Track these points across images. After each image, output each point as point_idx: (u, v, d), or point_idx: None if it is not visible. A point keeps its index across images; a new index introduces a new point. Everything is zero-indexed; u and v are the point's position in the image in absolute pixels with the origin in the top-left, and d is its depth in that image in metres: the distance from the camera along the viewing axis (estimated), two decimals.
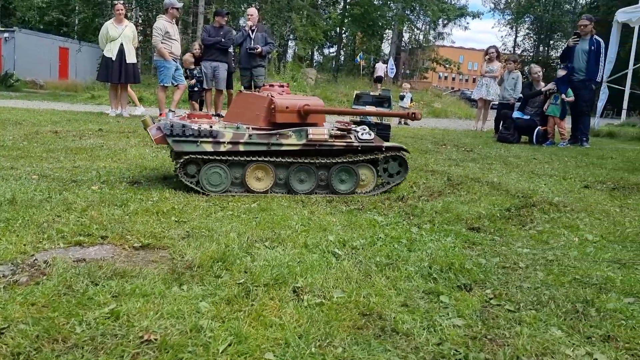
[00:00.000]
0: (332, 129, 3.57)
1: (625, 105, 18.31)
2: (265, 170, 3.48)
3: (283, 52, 23.03)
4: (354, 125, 3.75)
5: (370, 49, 25.15)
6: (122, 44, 8.97)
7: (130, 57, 9.05)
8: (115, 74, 8.97)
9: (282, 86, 3.82)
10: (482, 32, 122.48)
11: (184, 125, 3.28)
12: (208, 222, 2.68)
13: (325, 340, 1.49)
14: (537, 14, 45.95)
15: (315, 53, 35.34)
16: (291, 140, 3.46)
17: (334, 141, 3.53)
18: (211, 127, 3.36)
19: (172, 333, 1.47)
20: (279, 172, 3.51)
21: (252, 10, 9.79)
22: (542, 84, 9.04)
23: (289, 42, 27.65)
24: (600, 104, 11.67)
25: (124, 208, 2.86)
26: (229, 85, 10.19)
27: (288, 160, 3.47)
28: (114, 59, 8.93)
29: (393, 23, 25.81)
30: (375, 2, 22.60)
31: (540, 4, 45.66)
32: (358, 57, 22.50)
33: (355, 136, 3.62)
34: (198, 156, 3.33)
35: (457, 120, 16.78)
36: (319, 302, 1.74)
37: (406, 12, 27.33)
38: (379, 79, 12.39)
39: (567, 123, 9.09)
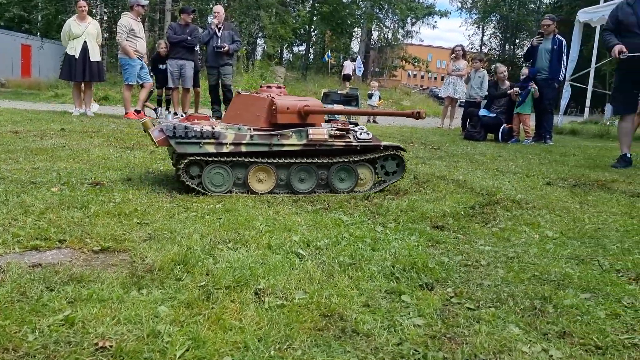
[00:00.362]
0: (332, 129, 3.62)
1: (587, 103, 18.74)
2: (267, 171, 3.53)
3: (252, 50, 22.94)
4: (351, 126, 3.82)
5: (339, 47, 25.21)
6: (85, 42, 8.78)
7: (94, 55, 8.87)
8: (79, 72, 8.78)
9: (280, 87, 3.85)
10: (450, 30, 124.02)
11: (186, 127, 3.30)
12: (171, 224, 2.65)
13: (285, 343, 1.48)
14: (503, 14, 46.76)
15: (285, 51, 35.27)
16: (292, 141, 3.51)
17: (333, 141, 3.59)
18: (213, 128, 3.38)
19: (128, 339, 1.44)
20: (280, 172, 3.56)
21: (219, 8, 9.71)
22: (507, 83, 9.20)
23: (258, 40, 27.53)
24: (564, 102, 11.93)
25: (85, 210, 2.80)
26: (196, 84, 10.09)
27: (289, 160, 3.52)
28: (77, 57, 8.74)
29: (362, 21, 25.92)
30: (344, 0, 22.66)
31: (506, 4, 46.47)
32: (326, 55, 22.53)
33: (354, 136, 3.68)
34: (201, 157, 3.35)
35: (427, 118, 16.94)
36: (280, 304, 1.73)
37: (375, 10, 27.46)
38: (347, 77, 12.45)
39: (532, 121, 9.26)
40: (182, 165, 3.33)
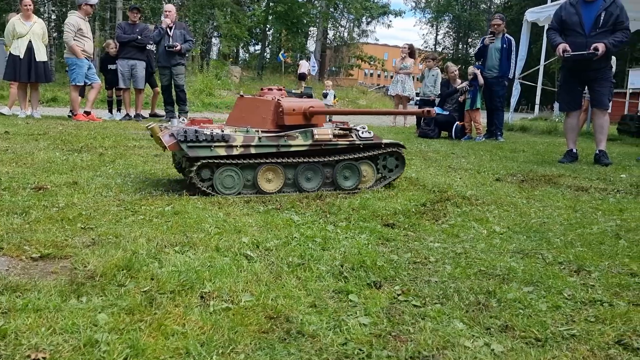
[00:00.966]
0: (335, 129, 3.74)
1: (537, 100, 19.28)
2: (275, 171, 3.61)
3: (207, 50, 22.67)
4: (353, 125, 3.92)
5: (295, 46, 25.17)
6: (30, 41, 8.48)
7: (40, 55, 8.58)
8: (24, 73, 8.48)
9: (280, 89, 3.94)
10: (405, 30, 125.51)
11: (196, 131, 3.35)
12: (117, 228, 2.58)
13: (229, 347, 1.45)
14: (456, 13, 47.64)
15: (241, 51, 35.01)
16: (298, 141, 3.61)
17: (337, 140, 3.72)
18: (222, 131, 3.45)
19: (63, 349, 1.39)
20: (287, 172, 3.65)
21: (170, 7, 9.56)
22: (459, 81, 9.36)
23: (213, 39, 27.21)
24: (514, 100, 12.23)
25: (25, 216, 2.70)
26: (153, 84, 9.92)
27: (296, 160, 3.61)
28: (22, 57, 8.44)
29: (317, 20, 25.95)
30: (299, 0, 22.66)
31: (458, 3, 47.38)
32: (280, 55, 22.47)
33: (356, 135, 3.80)
34: (212, 160, 3.41)
35: (382, 116, 17.08)
36: (225, 307, 1.70)
37: (330, 9, 27.52)
38: (302, 77, 12.44)
39: (483, 118, 9.46)
40: (194, 169, 3.38)
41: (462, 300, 1.83)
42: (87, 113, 8.76)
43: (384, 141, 3.90)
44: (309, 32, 30.31)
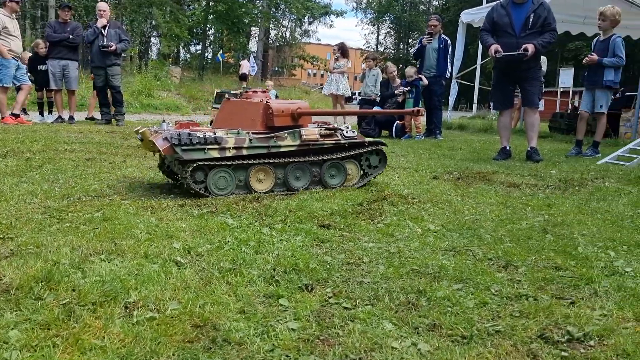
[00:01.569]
0: (321, 129, 3.89)
1: (475, 99, 19.80)
2: (265, 171, 3.72)
3: (145, 50, 22.14)
4: (338, 124, 4.16)
5: (236, 46, 24.90)
6: None
7: None
8: None
9: (265, 91, 4.11)
10: (347, 29, 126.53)
11: (190, 134, 3.42)
12: (40, 237, 2.45)
13: (150, 359, 1.40)
14: (396, 14, 48.43)
15: (182, 50, 34.38)
16: (287, 142, 3.74)
17: (324, 140, 3.86)
18: (215, 133, 3.54)
19: None
20: (278, 172, 3.76)
21: (104, 5, 9.27)
22: (398, 81, 9.50)
23: (152, 39, 26.60)
24: (452, 99, 12.52)
25: None
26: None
27: (285, 160, 3.73)
28: None
29: (259, 20, 25.79)
30: (240, 0, 22.43)
31: (399, 4, 48.18)
32: (219, 55, 22.16)
33: (341, 134, 3.96)
34: (206, 162, 3.49)
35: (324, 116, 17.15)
36: (150, 317, 1.64)
37: (271, 9, 27.40)
38: (243, 77, 12.31)
39: (422, 117, 9.62)
40: (189, 171, 3.44)
41: (393, 301, 1.84)
42: (16, 116, 8.36)
43: (367, 140, 4.10)
44: (251, 32, 30.12)
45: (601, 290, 1.98)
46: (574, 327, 1.65)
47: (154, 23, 22.87)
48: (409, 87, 9.00)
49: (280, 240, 2.58)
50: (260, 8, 26.35)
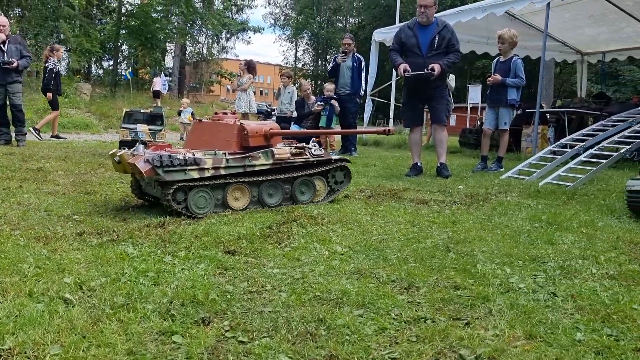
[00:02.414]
0: (292, 149, 4.15)
1: (391, 115, 20.35)
2: (241, 190, 3.91)
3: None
4: (312, 144, 4.39)
5: (151, 62, 24.28)
6: None
7: None
8: None
9: (233, 113, 4.30)
10: (265, 46, 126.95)
11: (170, 156, 3.57)
12: None
13: None
14: (314, 31, 49.12)
15: (94, 66, 33.12)
16: (261, 161, 3.97)
17: (295, 158, 4.13)
18: (194, 154, 3.70)
19: None
20: (253, 190, 3.95)
21: (3, 20, 8.75)
22: (313, 98, 9.57)
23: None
24: (366, 115, 12.78)
25: None
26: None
27: (260, 178, 3.95)
28: None
29: (174, 36, 25.31)
30: (154, 15, 21.88)
31: (316, 21, 48.90)
32: (127, 73, 21.53)
33: (309, 152, 4.24)
34: (187, 183, 3.64)
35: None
36: None
37: (187, 25, 26.97)
38: (157, 94, 11.98)
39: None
40: (170, 192, 3.57)
41: (291, 332, 1.80)
42: None
43: (334, 157, 4.42)
44: (167, 48, 29.51)
45: (495, 309, 2.04)
46: (466, 349, 1.67)
47: (62, 37, 21.87)
48: (323, 103, 9.08)
49: (182, 269, 2.48)
50: (176, 24, 25.90)
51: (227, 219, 3.60)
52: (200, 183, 3.69)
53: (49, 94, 10.33)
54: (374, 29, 17.23)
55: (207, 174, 3.70)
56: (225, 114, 4.24)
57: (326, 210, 4.00)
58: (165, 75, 24.33)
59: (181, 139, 11.64)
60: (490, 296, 2.16)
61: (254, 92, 10.93)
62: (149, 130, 6.92)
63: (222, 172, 3.77)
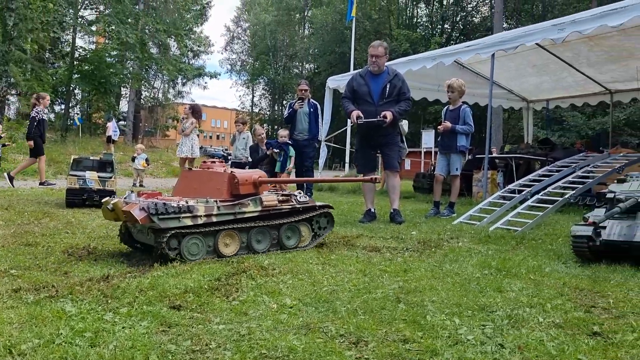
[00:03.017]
0: (279, 196, 4.32)
1: (347, 159, 20.59)
2: (231, 236, 4.02)
3: (0, 109, 20.53)
4: (297, 191, 4.54)
5: (104, 107, 23.96)
6: None
7: None
8: None
9: (222, 162, 4.44)
10: (222, 91, 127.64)
11: (165, 204, 3.67)
12: None
13: None
14: (270, 77, 49.74)
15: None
16: (250, 208, 4.10)
17: (282, 205, 4.28)
18: (187, 202, 3.80)
19: None
20: (242, 236, 4.07)
21: None
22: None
23: (11, 97, 24.83)
24: (322, 160, 12.87)
25: None
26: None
27: (249, 225, 4.07)
28: None
29: (128, 81, 25.15)
30: (108, 60, 21.74)
31: (272, 68, 49.59)
32: (77, 119, 21.20)
33: (295, 199, 4.38)
34: (181, 230, 3.74)
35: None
36: None
37: (142, 70, 26.88)
38: (110, 139, 11.77)
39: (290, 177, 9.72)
40: (165, 240, 3.65)
41: None
42: None
43: (318, 204, 4.56)
44: (122, 92, 29.27)
45: None
46: None
47: (12, 81, 21.41)
48: (277, 150, 9.10)
49: (123, 327, 2.37)
50: (131, 69, 25.77)
51: (175, 270, 3.50)
52: (193, 230, 3.80)
53: (31, 142, 10.14)
54: (329, 75, 17.60)
55: (199, 221, 3.81)
56: (214, 162, 4.38)
57: (278, 260, 3.94)
58: (119, 120, 24.02)
59: (134, 185, 11.41)
60: (438, 349, 2.14)
61: (198, 136, 10.97)
62: (98, 177, 6.76)
63: (214, 219, 3.89)
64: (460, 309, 2.76)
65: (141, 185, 11.40)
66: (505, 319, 2.59)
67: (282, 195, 4.39)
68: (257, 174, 4.35)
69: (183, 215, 3.72)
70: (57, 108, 32.81)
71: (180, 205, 3.73)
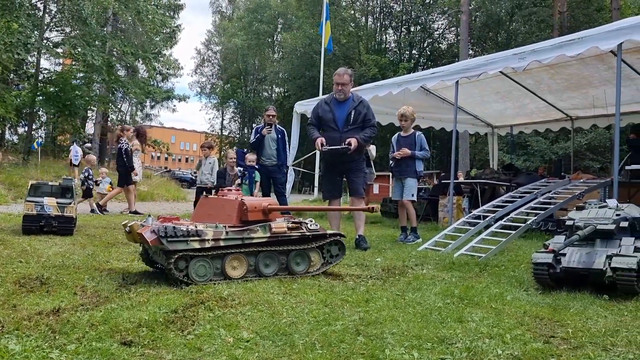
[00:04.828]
0: (288, 223, 4.38)
1: (316, 182, 20.54)
2: (239, 259, 4.18)
3: None
4: (308, 219, 4.59)
5: (69, 129, 23.52)
6: None
7: None
8: None
9: (238, 190, 4.66)
10: (192, 113, 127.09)
11: (174, 227, 3.89)
12: None
13: None
14: (240, 100, 49.75)
15: (7, 132, 31.71)
16: (259, 234, 4.23)
17: (291, 232, 4.35)
18: (196, 227, 4.00)
19: None
20: (250, 260, 4.21)
21: None
22: (236, 169, 9.50)
23: None
24: (289, 185, 12.80)
25: None
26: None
27: (257, 249, 4.21)
28: None
29: (95, 104, 24.79)
30: (74, 82, 21.41)
31: (242, 91, 49.63)
32: (35, 143, 20.77)
33: (305, 227, 4.46)
34: (188, 253, 3.93)
35: (164, 202, 16.59)
36: None
37: (109, 93, 26.57)
38: (72, 163, 11.52)
39: None
40: (172, 261, 3.85)
41: None
42: None
43: (329, 232, 4.60)
44: (88, 115, 28.81)
45: None
46: None
47: None
48: (245, 174, 9.04)
49: None
50: (97, 91, 25.44)
51: (130, 302, 3.38)
52: (201, 253, 3.98)
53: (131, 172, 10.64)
54: (298, 99, 17.66)
55: (207, 245, 3.99)
56: (230, 190, 4.60)
57: (238, 290, 3.85)
58: (84, 143, 23.58)
59: (92, 211, 11.13)
60: None
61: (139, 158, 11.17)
62: (57, 203, 6.57)
63: (222, 243, 4.06)
64: (420, 341, 2.72)
65: (105, 211, 11.11)
66: (465, 352, 2.56)
67: (293, 222, 4.45)
68: (267, 201, 4.53)
69: (191, 238, 3.93)
70: (20, 130, 32.16)
71: (189, 229, 3.93)
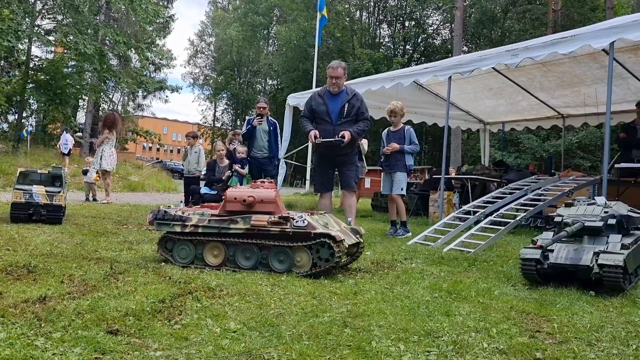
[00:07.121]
0: (273, 217, 4.23)
1: (307, 176, 20.54)
2: (219, 248, 4.35)
3: None
4: (299, 214, 4.31)
5: (60, 117, 23.34)
6: None
7: None
8: None
9: (271, 182, 4.65)
10: (184, 105, 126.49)
11: (166, 212, 4.42)
12: None
13: None
14: (234, 92, 49.57)
15: None
16: (238, 225, 4.28)
17: (271, 227, 4.22)
18: (183, 213, 4.40)
19: None
20: (229, 250, 4.33)
21: None
22: (226, 161, 9.48)
23: None
24: (280, 178, 12.80)
25: None
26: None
27: (235, 240, 4.28)
28: None
29: (86, 92, 24.58)
30: (65, 70, 21.21)
31: (236, 83, 49.44)
32: (24, 131, 20.60)
33: (291, 223, 4.19)
34: (170, 235, 4.43)
35: (154, 193, 16.54)
36: None
37: (100, 83, 26.36)
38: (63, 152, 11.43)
39: None
40: (160, 240, 4.48)
41: None
42: None
43: (314, 231, 4.12)
44: (79, 104, 28.58)
45: None
46: None
47: None
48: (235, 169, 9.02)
49: (53, 354, 2.25)
50: (89, 80, 25.23)
51: (117, 291, 3.37)
52: (184, 237, 4.36)
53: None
54: (292, 92, 17.61)
55: (187, 230, 4.33)
56: (263, 182, 4.58)
57: (227, 280, 3.85)
58: (76, 132, 23.41)
59: (87, 200, 11.08)
60: None
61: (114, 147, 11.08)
62: (46, 192, 6.52)
63: (200, 230, 4.32)
64: (407, 334, 2.73)
65: (94, 200, 11.06)
66: (451, 345, 2.58)
67: (279, 217, 4.20)
68: (252, 193, 4.44)
69: (175, 222, 4.35)
70: (11, 118, 31.87)
71: (176, 215, 4.36)
